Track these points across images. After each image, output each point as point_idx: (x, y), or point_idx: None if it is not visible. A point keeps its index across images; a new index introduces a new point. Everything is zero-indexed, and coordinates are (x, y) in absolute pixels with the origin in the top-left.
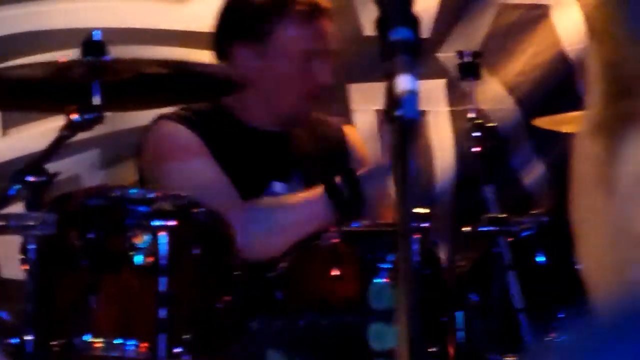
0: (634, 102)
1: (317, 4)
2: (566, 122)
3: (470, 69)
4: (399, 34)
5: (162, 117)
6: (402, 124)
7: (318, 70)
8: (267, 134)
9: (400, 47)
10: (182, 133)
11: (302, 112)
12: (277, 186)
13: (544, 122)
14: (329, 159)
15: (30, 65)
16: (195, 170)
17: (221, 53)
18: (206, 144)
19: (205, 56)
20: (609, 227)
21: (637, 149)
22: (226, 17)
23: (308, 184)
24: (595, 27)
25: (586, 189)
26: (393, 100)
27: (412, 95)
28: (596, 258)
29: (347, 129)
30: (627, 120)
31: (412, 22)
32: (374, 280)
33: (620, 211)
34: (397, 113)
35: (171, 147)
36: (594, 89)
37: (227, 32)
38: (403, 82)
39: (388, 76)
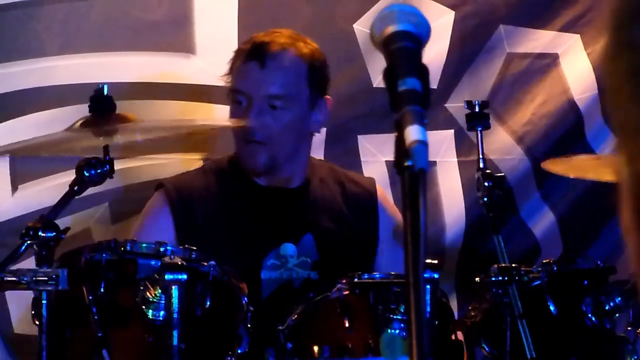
0: None
1: (253, 46)
2: (575, 167)
3: (479, 118)
4: (407, 84)
5: (158, 186)
6: (412, 174)
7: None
8: (279, 192)
9: (409, 97)
10: (153, 203)
11: (243, 157)
12: (287, 248)
13: (552, 166)
14: (357, 216)
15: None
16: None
17: None
18: (213, 202)
19: (213, 110)
20: None
21: None
22: None
23: (321, 245)
24: (623, 136)
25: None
26: (403, 151)
27: (422, 145)
28: None
29: (379, 189)
30: None
31: (421, 72)
32: (387, 331)
33: None
34: (407, 163)
35: (141, 214)
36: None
37: None
38: (412, 133)
39: (397, 127)
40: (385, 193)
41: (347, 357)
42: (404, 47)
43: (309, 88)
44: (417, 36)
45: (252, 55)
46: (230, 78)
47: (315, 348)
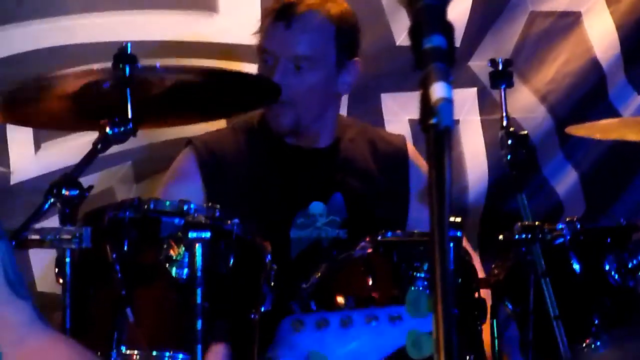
0: None
1: (281, 7)
2: (599, 130)
3: (502, 77)
4: (432, 41)
5: (187, 143)
6: (438, 132)
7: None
8: (308, 151)
9: (434, 55)
10: (182, 161)
11: (269, 118)
12: (316, 207)
13: (576, 130)
14: (388, 175)
15: (64, 77)
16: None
17: None
18: (243, 162)
19: (235, 68)
20: None
21: None
22: None
23: (350, 205)
24: None
25: None
26: (428, 109)
27: (448, 103)
28: None
29: (409, 146)
30: None
31: (446, 29)
32: (411, 289)
33: None
34: (433, 121)
35: (168, 172)
36: None
37: None
38: (438, 90)
39: (422, 84)
40: (415, 151)
41: (372, 306)
42: (429, 4)
43: (337, 49)
44: None
45: (279, 15)
46: (259, 37)
47: (340, 299)
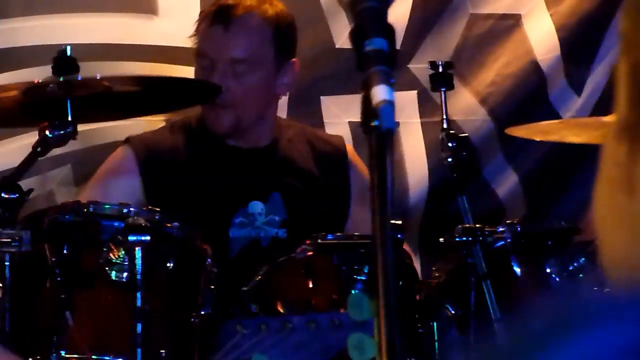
0: None
1: (217, 10)
2: (539, 131)
3: (443, 79)
4: (374, 44)
5: (126, 140)
6: (380, 134)
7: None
8: (247, 151)
9: (375, 57)
10: (121, 158)
11: (208, 120)
12: (255, 206)
13: (516, 131)
14: (327, 175)
15: (3, 87)
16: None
17: None
18: (181, 161)
19: (174, 71)
20: (630, 228)
21: None
22: None
23: (289, 204)
24: (623, 32)
25: (609, 190)
26: (370, 111)
27: (389, 105)
28: (618, 258)
29: (348, 147)
30: None
31: (388, 32)
32: (353, 292)
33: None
34: (374, 123)
35: (104, 168)
36: (620, 93)
37: None
38: (379, 93)
39: (364, 87)
40: (354, 152)
41: (312, 310)
42: (370, 6)
43: (275, 51)
44: None
45: (216, 18)
46: (196, 40)
47: (280, 303)
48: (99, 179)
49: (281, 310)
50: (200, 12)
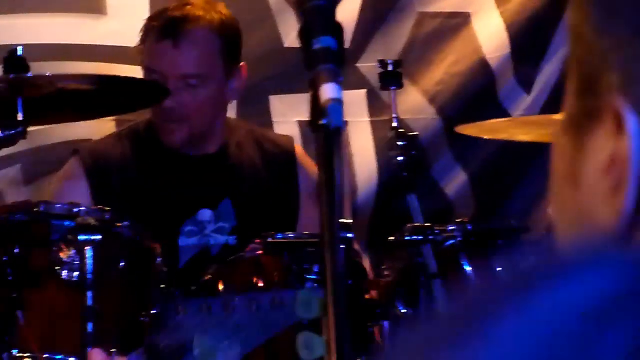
0: (597, 98)
1: (165, 24)
2: (488, 130)
3: (392, 78)
4: (322, 42)
5: (73, 152)
6: (328, 132)
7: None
8: (196, 158)
9: (324, 56)
10: (69, 170)
11: (161, 134)
12: (204, 214)
13: (466, 130)
14: (276, 177)
15: None
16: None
17: None
18: (130, 170)
19: (124, 71)
20: (576, 221)
21: (598, 145)
22: None
23: (239, 210)
24: (571, 25)
25: (558, 184)
26: (318, 109)
27: (337, 103)
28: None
29: (297, 148)
30: (591, 116)
31: (336, 30)
32: (302, 291)
33: (583, 205)
34: (323, 122)
35: (55, 182)
36: (568, 87)
37: None
38: (328, 91)
39: (312, 85)
40: (304, 152)
41: (252, 292)
42: (318, 5)
43: (224, 60)
44: None
45: (164, 32)
46: (143, 50)
47: (222, 286)
48: (52, 193)
49: (222, 291)
50: (147, 21)
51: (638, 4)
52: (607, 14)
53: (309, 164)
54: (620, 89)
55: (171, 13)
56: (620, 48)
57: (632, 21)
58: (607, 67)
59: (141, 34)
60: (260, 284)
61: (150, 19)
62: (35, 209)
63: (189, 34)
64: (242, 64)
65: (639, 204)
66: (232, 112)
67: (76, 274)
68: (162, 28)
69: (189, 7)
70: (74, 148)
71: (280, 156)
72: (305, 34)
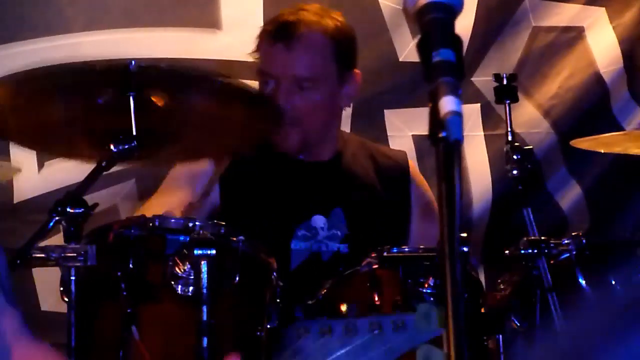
0: None
1: (278, 27)
2: (602, 143)
3: (507, 92)
4: (441, 55)
5: None
6: (447, 145)
7: (270, 93)
8: (311, 164)
9: (443, 68)
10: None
11: (276, 139)
12: (318, 220)
13: (580, 143)
14: (389, 190)
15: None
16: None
17: None
18: (249, 173)
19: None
20: None
21: None
22: None
23: (351, 219)
24: None
25: None
26: (437, 122)
27: (457, 116)
28: None
29: (410, 162)
30: None
31: (455, 43)
32: (421, 303)
33: None
34: (442, 134)
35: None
36: None
37: None
38: (447, 104)
39: (431, 98)
40: (416, 167)
41: (375, 314)
42: (437, 17)
43: (337, 65)
44: (450, 7)
45: (278, 36)
46: (258, 56)
47: (344, 307)
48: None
49: (344, 313)
50: (261, 28)
51: None
52: None
53: (421, 180)
54: None
55: (285, 17)
56: None
57: None
58: None
59: (257, 39)
60: (377, 302)
61: (265, 25)
62: (150, 224)
63: (302, 37)
64: (356, 70)
65: None
66: (346, 126)
67: (191, 288)
68: (276, 31)
69: (303, 12)
70: None
71: (394, 170)
72: (424, 47)
